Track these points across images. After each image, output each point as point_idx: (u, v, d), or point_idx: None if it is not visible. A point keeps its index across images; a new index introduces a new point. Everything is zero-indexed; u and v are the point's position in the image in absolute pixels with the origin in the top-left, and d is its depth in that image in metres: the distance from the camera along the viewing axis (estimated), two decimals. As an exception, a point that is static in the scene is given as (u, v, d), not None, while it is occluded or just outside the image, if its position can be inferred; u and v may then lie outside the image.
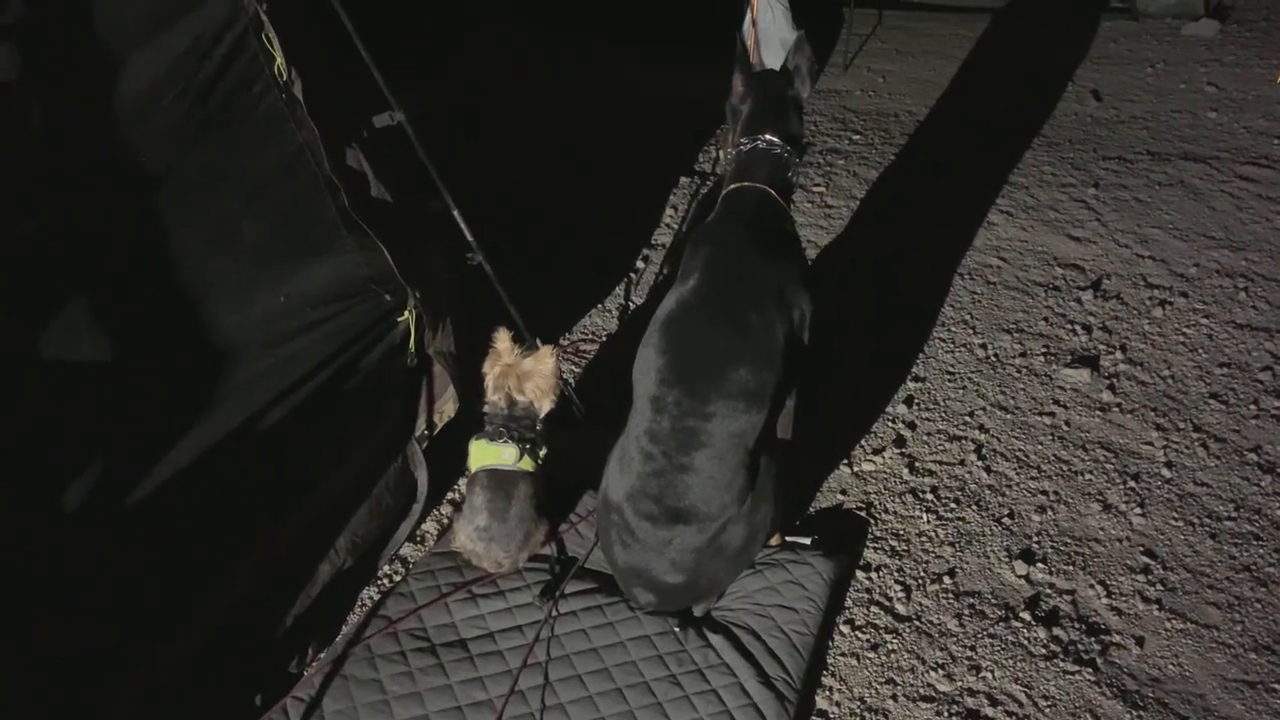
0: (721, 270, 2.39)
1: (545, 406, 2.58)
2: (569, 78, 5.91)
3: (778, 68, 2.66)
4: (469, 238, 2.81)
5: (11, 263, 1.87)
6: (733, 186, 2.50)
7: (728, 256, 2.42)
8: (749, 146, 2.49)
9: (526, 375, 2.55)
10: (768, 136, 2.49)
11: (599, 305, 3.81)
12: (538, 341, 2.63)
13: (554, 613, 2.43)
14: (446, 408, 2.82)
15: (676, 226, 4.34)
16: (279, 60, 2.29)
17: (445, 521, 2.87)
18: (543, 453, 2.62)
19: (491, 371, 2.59)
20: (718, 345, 2.33)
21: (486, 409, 2.62)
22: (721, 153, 4.81)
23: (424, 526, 2.85)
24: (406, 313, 2.62)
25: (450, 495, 2.95)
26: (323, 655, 2.37)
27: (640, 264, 4.07)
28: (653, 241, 4.23)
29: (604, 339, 3.64)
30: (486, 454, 2.55)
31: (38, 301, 1.92)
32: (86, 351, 2.00)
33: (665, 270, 4.00)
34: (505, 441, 2.55)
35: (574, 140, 5.15)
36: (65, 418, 1.97)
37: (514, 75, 5.89)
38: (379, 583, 2.69)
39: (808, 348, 2.51)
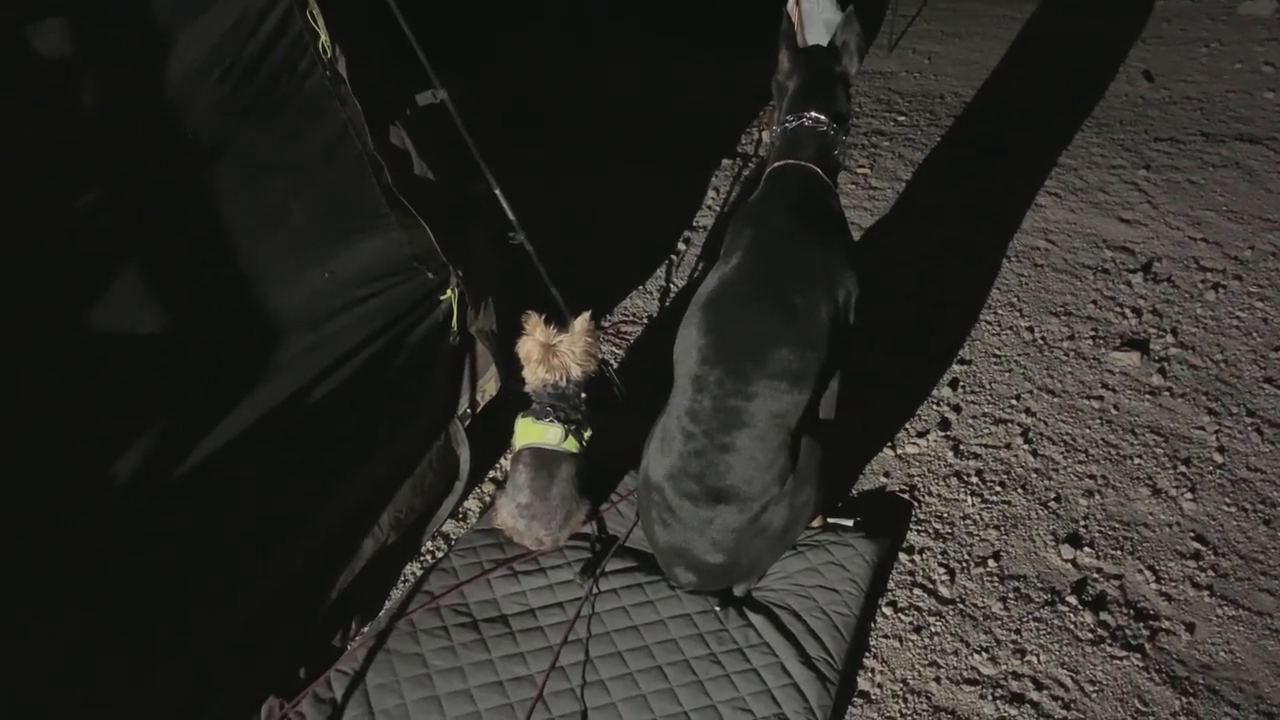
0: (765, 249, 2.37)
1: (581, 374, 2.57)
2: (608, 64, 5.89)
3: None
4: (511, 217, 2.80)
5: (62, 238, 1.90)
6: (777, 164, 2.47)
7: (772, 235, 2.39)
8: (794, 124, 2.46)
9: (561, 349, 2.55)
10: (813, 114, 2.45)
11: (640, 287, 3.80)
12: (570, 320, 2.63)
13: (595, 590, 2.43)
14: (489, 386, 2.83)
15: (718, 209, 4.31)
16: (323, 37, 2.30)
17: (487, 499, 2.87)
18: (588, 434, 2.62)
19: (525, 351, 2.59)
20: (761, 324, 2.30)
21: (530, 389, 2.62)
22: (765, 133, 4.78)
23: (466, 504, 2.86)
24: (449, 291, 2.63)
25: (492, 474, 2.96)
26: (366, 629, 2.40)
27: (681, 245, 4.05)
28: (694, 224, 4.22)
29: (645, 321, 3.63)
30: (532, 432, 2.56)
31: (87, 276, 1.94)
32: (135, 326, 2.02)
33: (706, 253, 3.99)
34: (551, 421, 2.55)
35: (615, 125, 5.14)
36: (111, 393, 1.99)
37: (557, 66, 5.88)
38: (421, 559, 2.70)
39: (853, 328, 2.48)
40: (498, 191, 2.75)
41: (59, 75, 1.86)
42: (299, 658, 2.30)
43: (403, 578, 2.64)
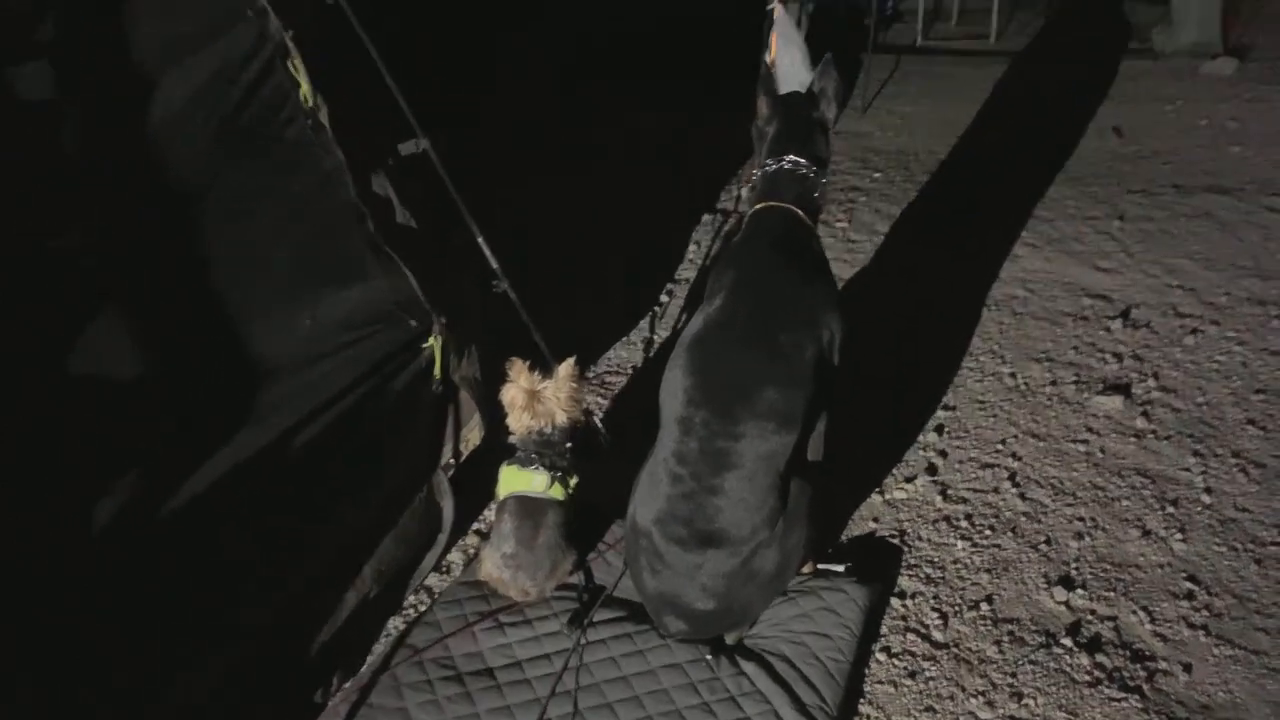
0: (749, 290, 2.37)
1: (566, 421, 2.54)
2: (591, 120, 5.96)
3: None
4: (494, 265, 2.80)
5: (45, 281, 1.87)
6: (759, 206, 2.48)
7: (755, 276, 2.39)
8: (774, 167, 2.48)
9: (546, 395, 2.53)
10: (793, 157, 2.47)
11: (624, 339, 3.79)
12: (554, 366, 2.61)
13: (582, 641, 2.38)
14: (472, 435, 2.79)
15: (700, 262, 4.33)
16: (304, 87, 2.31)
17: (471, 552, 2.82)
18: (573, 481, 2.58)
19: (510, 399, 2.57)
20: (747, 365, 2.29)
21: (514, 437, 2.59)
22: (744, 189, 4.83)
23: (450, 557, 2.81)
24: (432, 338, 2.61)
25: (476, 525, 2.92)
26: (348, 685, 2.33)
27: (664, 298, 4.06)
28: (676, 277, 4.23)
29: (630, 371, 3.62)
30: (517, 480, 2.52)
31: (68, 319, 1.92)
32: (114, 368, 2.00)
33: (688, 304, 3.99)
34: (536, 468, 2.52)
35: (595, 180, 5.18)
36: (91, 435, 1.95)
37: (541, 117, 5.95)
38: (404, 612, 2.64)
39: (836, 369, 2.48)
40: (480, 240, 2.75)
41: (41, 117, 1.86)
42: (280, 714, 2.22)
43: (385, 632, 2.57)
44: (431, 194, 2.67)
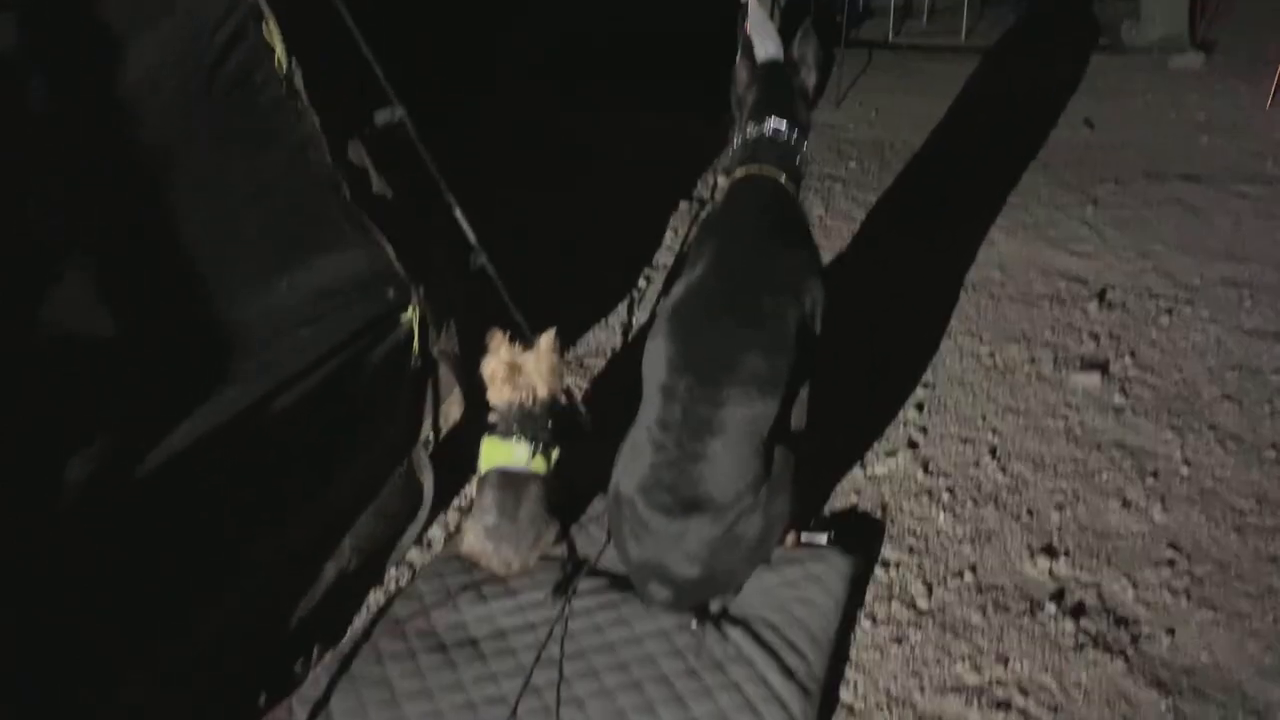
0: (731, 255, 2.36)
1: (548, 393, 2.52)
2: (580, 112, 5.94)
3: None
4: (472, 240, 2.78)
5: (12, 247, 1.83)
6: (740, 172, 2.47)
7: (737, 242, 2.38)
8: (755, 132, 2.47)
9: (527, 367, 2.50)
10: (774, 123, 2.47)
11: (602, 322, 3.77)
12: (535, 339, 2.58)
13: (567, 610, 2.35)
14: (452, 411, 2.76)
15: (677, 248, 4.32)
16: (279, 51, 2.27)
17: (452, 527, 2.79)
18: (556, 454, 2.56)
19: (490, 371, 2.55)
20: (729, 331, 2.28)
21: (495, 410, 2.56)
22: (723, 159, 4.84)
23: (431, 532, 2.77)
24: (410, 310, 2.57)
25: (457, 502, 2.88)
26: (328, 657, 2.29)
27: (643, 282, 4.04)
28: (654, 262, 4.22)
29: (608, 354, 3.60)
30: (498, 452, 2.49)
31: (39, 286, 1.88)
32: (86, 336, 1.96)
33: (665, 289, 3.98)
34: (518, 440, 2.49)
35: (576, 170, 5.15)
36: (62, 406, 1.91)
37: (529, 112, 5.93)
38: (385, 587, 2.60)
39: (818, 337, 2.47)
40: (458, 213, 2.72)
41: (7, 74, 1.82)
42: (258, 685, 2.18)
43: (365, 605, 2.53)
44: (409, 165, 2.64)
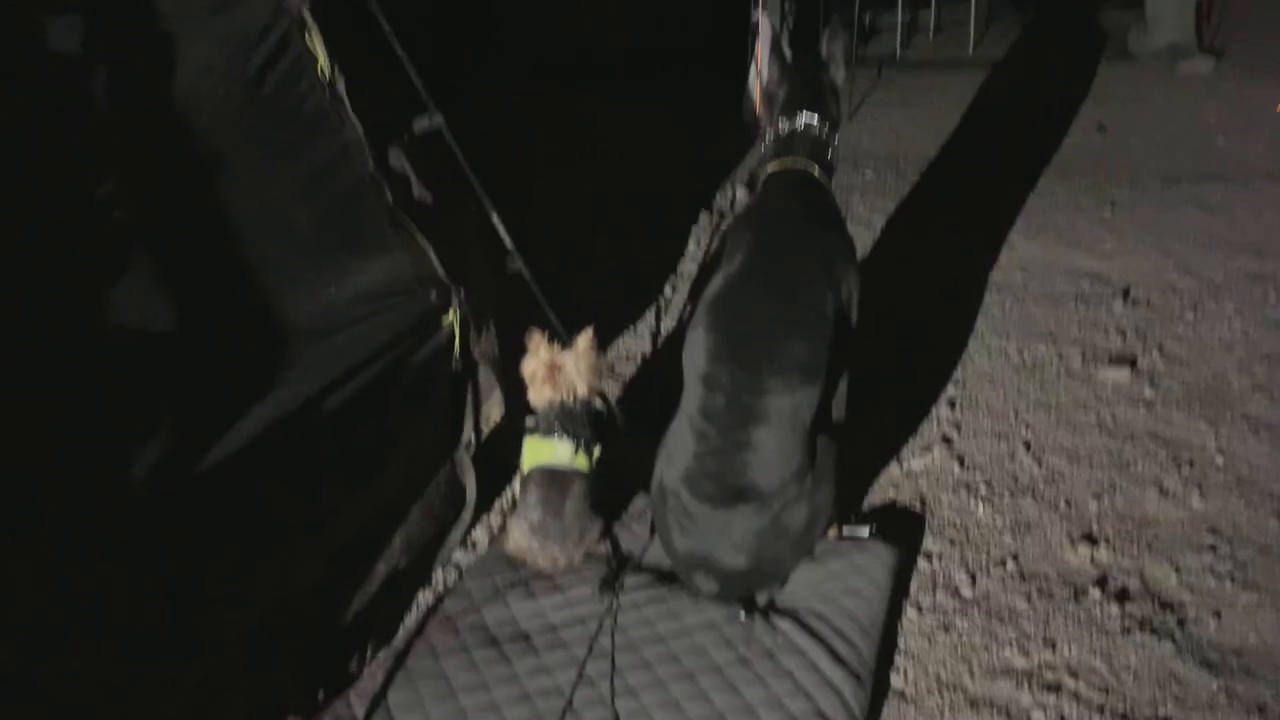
0: (769, 245, 2.39)
1: (587, 391, 2.55)
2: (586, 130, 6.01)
3: None
4: (508, 244, 2.81)
5: (64, 240, 1.87)
6: (774, 166, 2.51)
7: (774, 232, 2.42)
8: (788, 127, 2.51)
9: (567, 366, 2.53)
10: (806, 117, 2.50)
11: (630, 329, 3.80)
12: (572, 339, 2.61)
13: (616, 604, 2.36)
14: (493, 412, 2.78)
15: (700, 257, 4.36)
16: (321, 60, 2.32)
17: (495, 529, 2.81)
18: (597, 451, 2.58)
19: (530, 371, 2.57)
20: (769, 319, 2.31)
21: (537, 409, 2.59)
22: (733, 189, 4.88)
23: (475, 534, 2.79)
24: (451, 313, 2.60)
25: (499, 503, 2.90)
26: (382, 653, 2.30)
27: (669, 290, 4.08)
28: (678, 271, 4.25)
29: (639, 359, 3.62)
30: (541, 450, 2.52)
31: (90, 279, 1.91)
32: (136, 339, 1.99)
33: (692, 296, 4.01)
34: (560, 438, 2.51)
35: (599, 180, 5.21)
36: (111, 408, 1.94)
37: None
38: (434, 587, 2.62)
39: (855, 328, 2.50)
40: (495, 217, 2.76)
41: (64, 75, 1.86)
42: (315, 680, 2.20)
43: (415, 605, 2.55)
44: (446, 171, 2.68)
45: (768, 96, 2.63)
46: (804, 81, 2.57)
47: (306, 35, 2.30)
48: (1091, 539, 2.70)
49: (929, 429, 3.21)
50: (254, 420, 2.13)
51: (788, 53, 3.31)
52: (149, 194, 2.02)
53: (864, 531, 2.64)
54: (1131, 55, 6.72)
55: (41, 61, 1.82)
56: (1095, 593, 2.52)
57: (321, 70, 2.34)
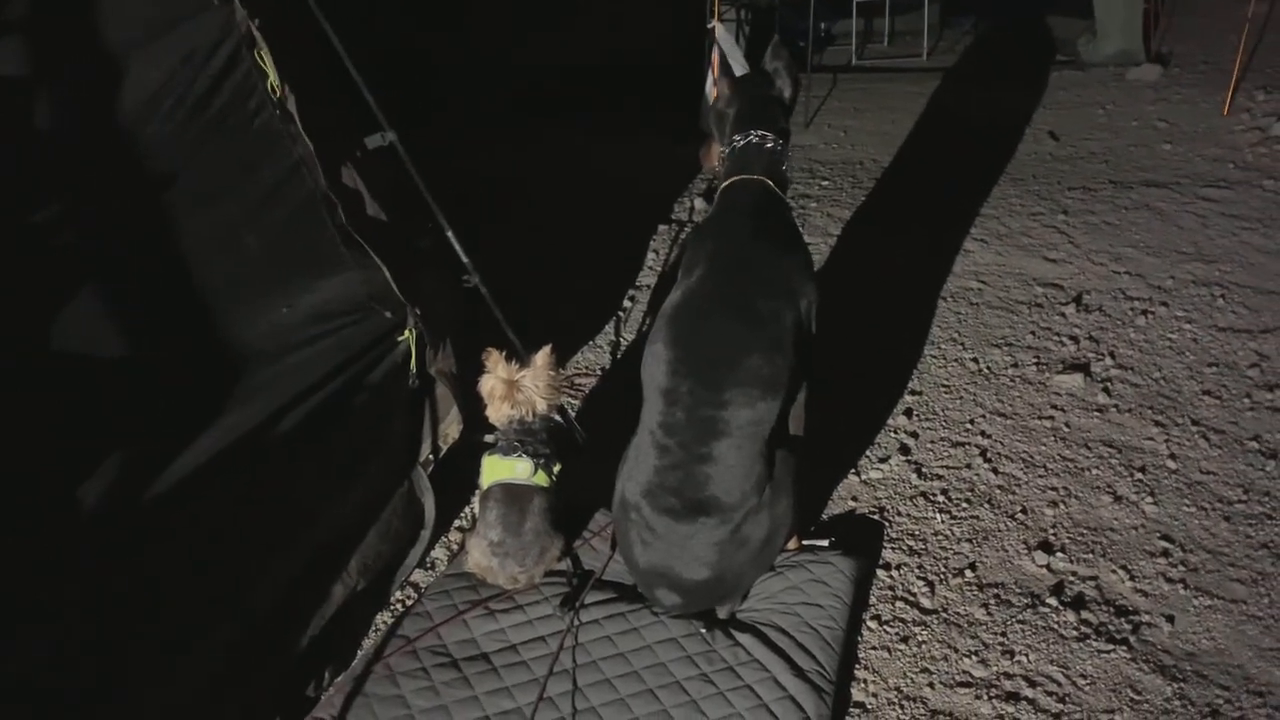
0: (726, 259, 2.39)
1: (546, 409, 2.54)
2: (543, 146, 5.99)
3: None
4: (464, 260, 2.79)
5: (12, 264, 1.83)
6: (730, 180, 2.51)
7: (732, 246, 2.42)
8: (742, 142, 2.52)
9: (525, 384, 2.52)
10: (758, 131, 2.52)
11: (590, 342, 3.80)
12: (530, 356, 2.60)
13: (576, 621, 2.35)
14: (451, 430, 2.77)
15: (659, 269, 4.36)
16: (272, 77, 2.30)
17: (454, 548, 2.79)
18: (557, 468, 2.57)
19: (489, 389, 2.56)
20: (729, 333, 2.31)
21: (496, 426, 2.57)
22: (691, 200, 4.89)
23: (434, 553, 2.77)
24: (407, 332, 2.59)
25: (458, 522, 2.88)
26: (340, 678, 2.27)
27: (627, 303, 4.08)
28: (637, 283, 4.25)
29: (598, 373, 3.62)
30: (500, 468, 2.50)
31: (38, 303, 1.88)
32: (85, 361, 1.95)
33: (650, 309, 4.01)
34: (520, 455, 2.50)
35: (553, 198, 5.20)
36: (61, 430, 1.90)
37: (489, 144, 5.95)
38: (392, 608, 2.60)
39: (813, 339, 2.50)
40: (450, 234, 2.75)
41: (8, 97, 1.83)
42: (271, 708, 2.17)
43: (374, 627, 2.52)
44: (399, 188, 2.66)
45: (717, 115, 2.64)
46: (753, 98, 2.58)
47: (256, 52, 2.28)
48: (1048, 547, 2.73)
49: (886, 438, 3.23)
50: (207, 443, 2.10)
51: (737, 69, 3.34)
52: (96, 216, 1.99)
53: (824, 544, 2.65)
54: (1082, 63, 6.82)
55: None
56: (1052, 600, 2.55)
57: (272, 87, 2.32)
